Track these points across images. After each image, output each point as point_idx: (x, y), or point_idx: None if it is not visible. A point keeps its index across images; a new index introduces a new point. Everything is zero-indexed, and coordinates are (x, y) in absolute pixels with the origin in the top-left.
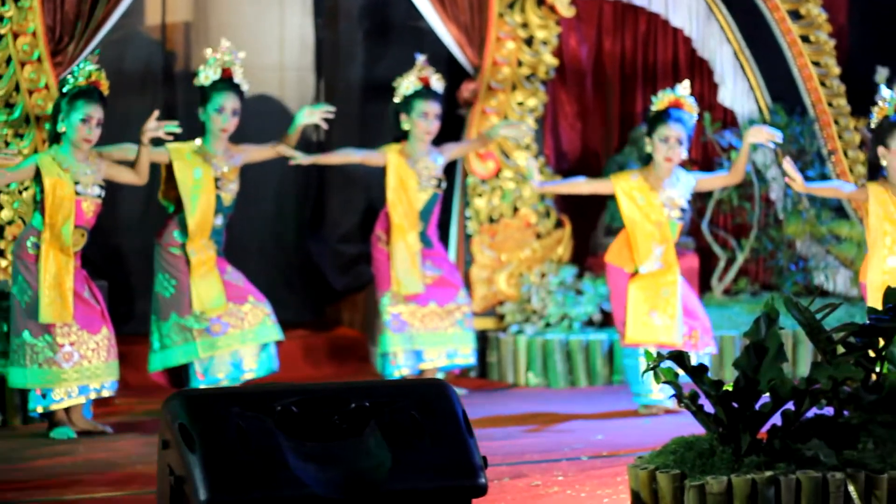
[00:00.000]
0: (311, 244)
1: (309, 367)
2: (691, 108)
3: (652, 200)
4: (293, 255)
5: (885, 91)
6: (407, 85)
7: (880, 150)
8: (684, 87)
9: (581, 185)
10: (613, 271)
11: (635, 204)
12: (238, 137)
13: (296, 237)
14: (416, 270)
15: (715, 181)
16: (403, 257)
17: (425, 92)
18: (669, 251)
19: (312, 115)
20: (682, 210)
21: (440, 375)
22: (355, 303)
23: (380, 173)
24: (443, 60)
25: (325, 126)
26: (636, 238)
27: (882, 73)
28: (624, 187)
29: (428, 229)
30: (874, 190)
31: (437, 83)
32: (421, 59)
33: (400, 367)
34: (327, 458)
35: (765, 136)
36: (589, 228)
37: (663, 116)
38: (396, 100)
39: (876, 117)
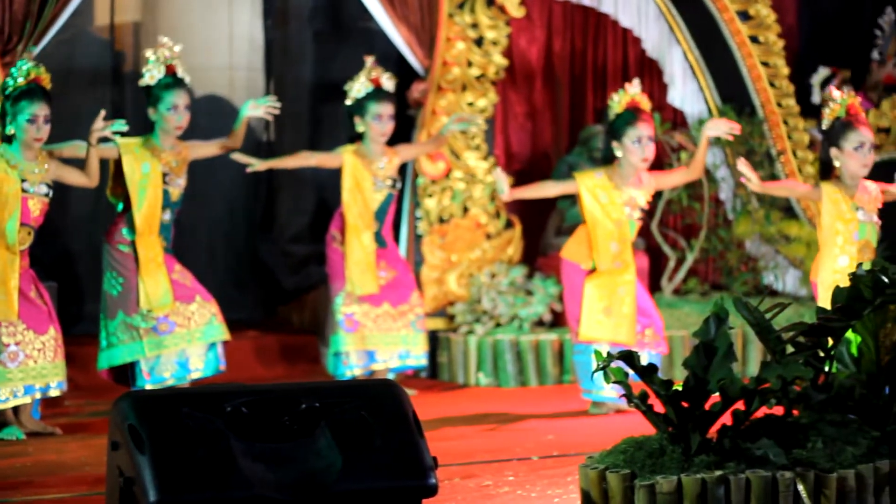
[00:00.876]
0: (261, 244)
1: (260, 368)
2: (647, 105)
3: (614, 199)
4: (244, 255)
5: (835, 92)
6: (358, 87)
7: (833, 151)
8: (635, 86)
9: (548, 188)
10: (569, 267)
11: (598, 202)
12: (186, 137)
13: (246, 237)
14: (370, 271)
15: (674, 178)
16: (358, 257)
17: (377, 93)
18: (627, 250)
19: (257, 109)
20: (642, 210)
21: (391, 376)
22: (306, 303)
23: (330, 174)
24: (392, 61)
25: (270, 119)
26: (596, 236)
27: (821, 74)
28: (588, 184)
29: (383, 229)
30: (827, 189)
31: (389, 83)
32: (370, 60)
33: (352, 367)
34: (278, 459)
35: (724, 128)
36: (539, 229)
37: (630, 118)
38: (348, 102)
39: (827, 119)
